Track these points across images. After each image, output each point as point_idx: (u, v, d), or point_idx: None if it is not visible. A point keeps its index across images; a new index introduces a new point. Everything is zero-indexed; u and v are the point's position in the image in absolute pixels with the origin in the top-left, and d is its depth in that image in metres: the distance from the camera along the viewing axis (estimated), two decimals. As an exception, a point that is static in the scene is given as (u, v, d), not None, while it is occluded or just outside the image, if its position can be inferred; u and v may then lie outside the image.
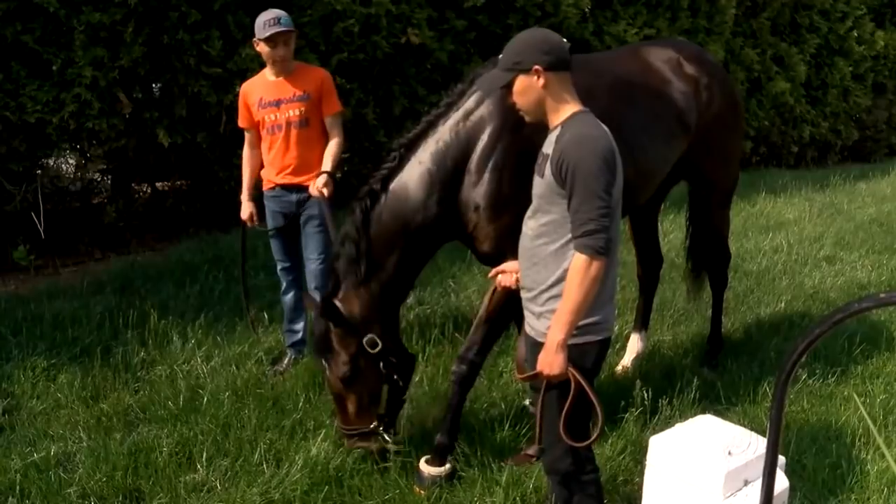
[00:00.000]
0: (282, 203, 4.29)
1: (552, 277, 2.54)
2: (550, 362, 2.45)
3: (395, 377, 3.39)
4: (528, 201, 2.70)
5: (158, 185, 7.13)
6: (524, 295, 2.67)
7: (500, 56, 2.61)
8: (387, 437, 3.41)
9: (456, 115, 3.27)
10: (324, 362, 3.37)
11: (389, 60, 7.35)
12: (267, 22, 4.01)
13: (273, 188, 4.30)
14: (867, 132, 13.62)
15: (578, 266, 2.41)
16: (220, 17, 6.29)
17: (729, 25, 10.45)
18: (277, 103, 4.15)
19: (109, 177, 6.97)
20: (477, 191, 3.23)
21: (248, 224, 4.43)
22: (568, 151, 2.43)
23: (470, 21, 7.86)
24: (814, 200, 9.37)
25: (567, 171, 2.41)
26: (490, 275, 2.99)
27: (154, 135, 6.16)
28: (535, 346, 2.59)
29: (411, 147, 3.30)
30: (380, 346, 3.30)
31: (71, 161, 6.73)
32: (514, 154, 3.20)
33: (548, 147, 2.56)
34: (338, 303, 3.30)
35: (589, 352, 2.54)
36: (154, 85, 6.41)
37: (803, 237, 7.61)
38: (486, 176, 3.21)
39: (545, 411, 2.59)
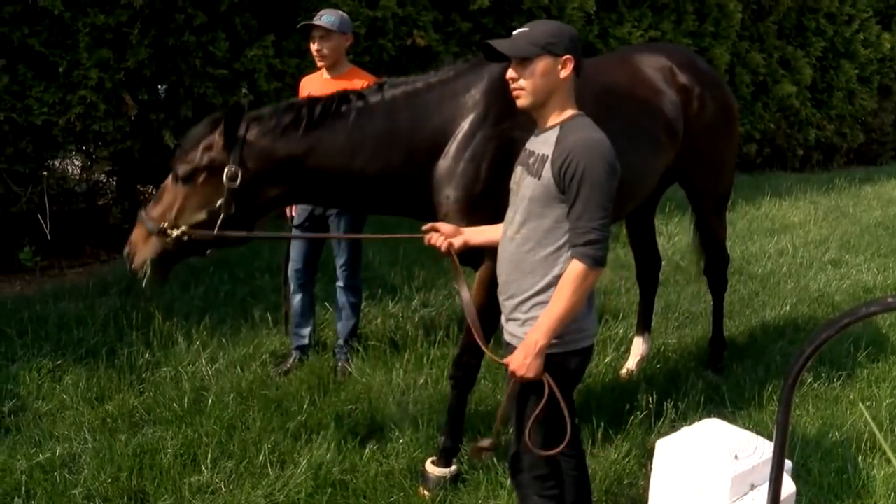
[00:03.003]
0: None
1: (540, 283, 2.43)
2: (527, 365, 2.34)
3: (217, 220, 2.98)
4: (503, 201, 2.61)
5: (164, 186, 7.14)
6: (505, 302, 2.56)
7: (524, 30, 2.51)
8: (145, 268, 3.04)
9: (441, 90, 3.16)
10: (180, 149, 3.14)
11: (395, 63, 7.37)
12: (314, 16, 4.06)
13: None
14: (873, 135, 13.62)
15: (574, 274, 2.31)
16: (226, 18, 6.30)
17: (735, 29, 10.45)
18: None
19: (115, 178, 6.97)
20: (452, 179, 3.10)
21: (286, 215, 4.40)
22: (576, 154, 2.31)
23: (475, 24, 7.87)
24: (819, 203, 9.35)
25: (573, 175, 2.31)
26: (424, 227, 2.80)
27: (160, 136, 6.17)
28: None
29: (396, 86, 3.17)
30: (237, 184, 2.96)
31: (77, 162, 6.74)
32: (495, 147, 3.10)
33: (542, 147, 2.44)
34: (245, 123, 3.06)
35: (571, 360, 2.46)
36: (160, 86, 6.42)
37: (808, 240, 7.59)
38: (463, 165, 3.08)
39: (515, 412, 2.52)
